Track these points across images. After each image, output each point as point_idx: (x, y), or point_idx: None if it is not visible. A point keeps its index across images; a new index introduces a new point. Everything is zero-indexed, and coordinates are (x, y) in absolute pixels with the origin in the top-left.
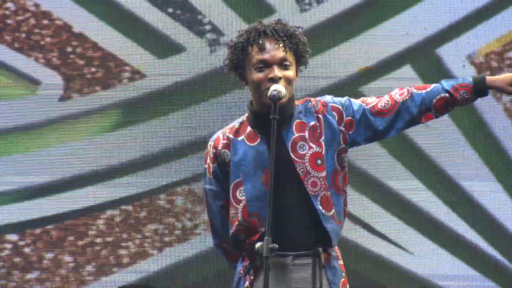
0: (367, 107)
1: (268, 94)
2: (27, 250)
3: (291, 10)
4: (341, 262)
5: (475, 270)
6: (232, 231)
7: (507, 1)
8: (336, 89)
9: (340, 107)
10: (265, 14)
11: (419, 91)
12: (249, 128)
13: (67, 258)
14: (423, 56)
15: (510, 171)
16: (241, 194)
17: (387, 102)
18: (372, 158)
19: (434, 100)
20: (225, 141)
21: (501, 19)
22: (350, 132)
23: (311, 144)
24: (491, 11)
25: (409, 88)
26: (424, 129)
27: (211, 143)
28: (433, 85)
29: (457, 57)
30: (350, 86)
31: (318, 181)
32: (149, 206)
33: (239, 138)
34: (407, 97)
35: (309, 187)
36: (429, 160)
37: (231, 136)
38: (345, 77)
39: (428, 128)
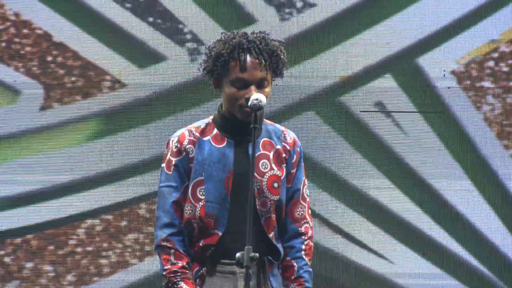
0: (294, 199)
1: (249, 103)
2: (7, 259)
3: (272, 19)
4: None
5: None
6: (184, 223)
7: (487, 11)
8: (317, 99)
9: (298, 161)
10: (246, 23)
11: (296, 255)
12: (215, 130)
13: (47, 267)
14: (404, 66)
15: (491, 182)
16: (201, 193)
17: (297, 216)
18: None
19: (289, 263)
20: (191, 138)
21: (481, 29)
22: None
23: (273, 165)
24: (471, 21)
25: (302, 245)
26: (406, 140)
27: (173, 139)
28: (300, 266)
29: (438, 66)
30: (331, 95)
31: (269, 202)
32: (130, 215)
33: (205, 138)
34: (293, 247)
35: (259, 205)
36: (411, 170)
37: (197, 134)
38: (325, 86)
39: (410, 140)
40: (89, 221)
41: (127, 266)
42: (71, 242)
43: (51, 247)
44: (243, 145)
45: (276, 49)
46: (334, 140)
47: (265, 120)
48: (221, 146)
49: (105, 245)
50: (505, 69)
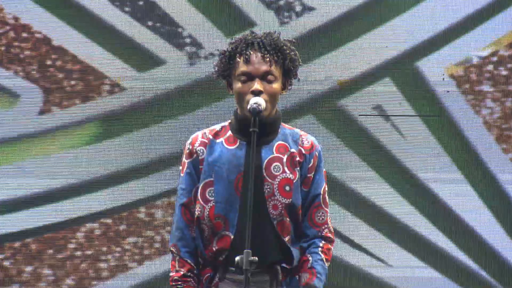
0: (314, 204)
1: (248, 107)
2: (6, 263)
3: (271, 23)
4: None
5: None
6: (195, 224)
7: (486, 15)
8: (316, 103)
9: (316, 165)
10: (245, 27)
11: (312, 257)
12: (229, 132)
13: (47, 271)
14: (403, 69)
15: (490, 185)
16: (210, 194)
17: (317, 220)
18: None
19: (304, 258)
20: (203, 140)
21: (480, 33)
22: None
23: (285, 168)
24: (471, 25)
25: (318, 248)
26: (405, 143)
27: (189, 141)
28: (315, 260)
29: (437, 70)
30: (330, 99)
31: (280, 205)
32: (129, 219)
33: (218, 140)
34: (311, 244)
35: (270, 209)
36: (410, 174)
37: (210, 136)
38: (324, 90)
39: (409, 143)
40: (88, 225)
41: (126, 270)
42: (70, 246)
43: (50, 251)
44: (256, 147)
45: (282, 45)
46: (333, 143)
47: (283, 124)
48: (233, 147)
49: (104, 249)
50: (504, 72)
